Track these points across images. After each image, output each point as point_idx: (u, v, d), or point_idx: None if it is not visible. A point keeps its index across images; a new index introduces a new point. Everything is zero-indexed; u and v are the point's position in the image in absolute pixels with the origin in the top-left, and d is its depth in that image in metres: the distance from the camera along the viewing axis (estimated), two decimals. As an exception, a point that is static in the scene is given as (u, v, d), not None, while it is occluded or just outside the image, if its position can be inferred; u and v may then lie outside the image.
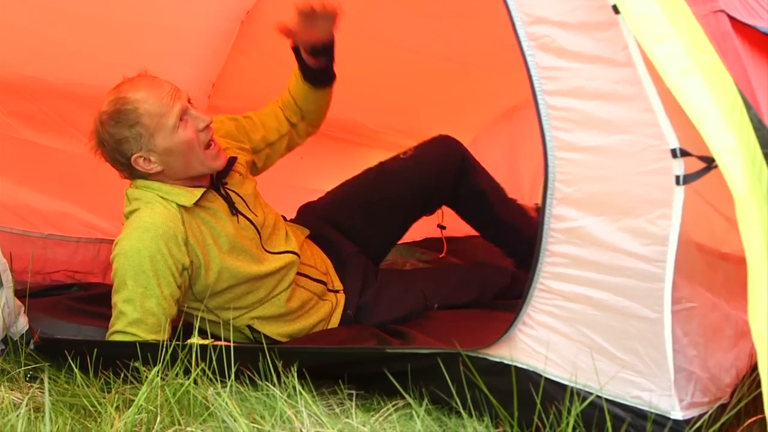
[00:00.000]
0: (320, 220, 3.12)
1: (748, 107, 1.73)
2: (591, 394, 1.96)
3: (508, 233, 3.20)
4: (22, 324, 2.43)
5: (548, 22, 1.95)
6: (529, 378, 2.04)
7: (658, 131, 1.86)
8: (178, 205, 2.59)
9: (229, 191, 2.74)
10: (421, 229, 3.80)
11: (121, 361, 2.33)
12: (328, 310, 2.87)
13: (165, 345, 2.25)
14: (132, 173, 2.63)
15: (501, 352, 2.08)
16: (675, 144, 1.84)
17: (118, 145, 2.56)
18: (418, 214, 3.26)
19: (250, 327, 2.73)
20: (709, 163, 1.79)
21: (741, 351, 2.05)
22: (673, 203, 1.86)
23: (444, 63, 3.53)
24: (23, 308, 2.46)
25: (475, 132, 3.87)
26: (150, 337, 2.49)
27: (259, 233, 2.76)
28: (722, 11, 1.80)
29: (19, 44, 2.91)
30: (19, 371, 2.38)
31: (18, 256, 2.67)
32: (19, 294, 2.49)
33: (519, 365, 2.05)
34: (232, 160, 2.76)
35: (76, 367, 2.32)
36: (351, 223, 3.11)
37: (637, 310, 1.92)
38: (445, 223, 3.86)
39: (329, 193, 3.25)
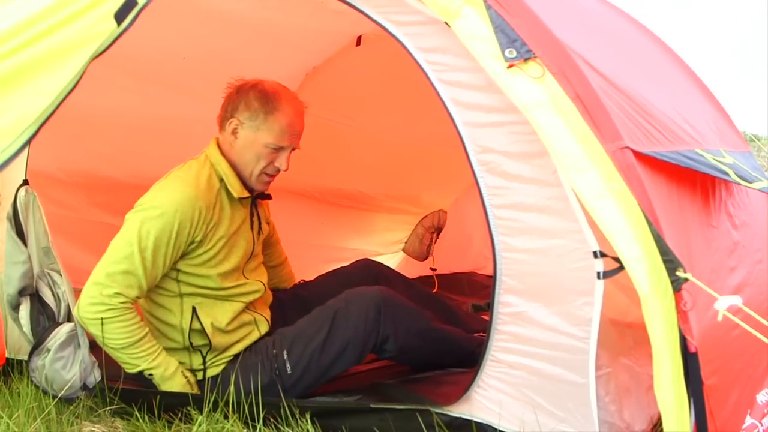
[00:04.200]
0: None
1: (650, 224, 1.71)
2: (536, 442, 1.93)
3: None
4: (97, 376, 2.38)
5: (494, 151, 1.93)
6: (485, 431, 2.00)
7: (583, 237, 1.84)
8: (224, 188, 2.36)
9: (256, 212, 2.51)
10: (416, 269, 3.80)
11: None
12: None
13: (206, 398, 2.22)
14: (221, 130, 2.40)
15: (461, 409, 2.04)
16: (596, 247, 1.83)
17: (241, 102, 2.35)
18: None
19: (194, 310, 2.37)
20: (622, 263, 1.77)
21: (651, 401, 1.97)
22: (595, 293, 1.85)
23: (426, 143, 3.46)
24: (96, 363, 2.41)
25: (455, 195, 3.82)
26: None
27: (249, 258, 2.46)
28: (627, 147, 1.77)
29: (98, 152, 2.95)
30: (105, 410, 2.34)
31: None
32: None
33: (477, 420, 2.01)
34: (268, 195, 2.55)
35: (143, 410, 2.28)
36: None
37: (568, 377, 1.90)
38: (434, 264, 3.87)
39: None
